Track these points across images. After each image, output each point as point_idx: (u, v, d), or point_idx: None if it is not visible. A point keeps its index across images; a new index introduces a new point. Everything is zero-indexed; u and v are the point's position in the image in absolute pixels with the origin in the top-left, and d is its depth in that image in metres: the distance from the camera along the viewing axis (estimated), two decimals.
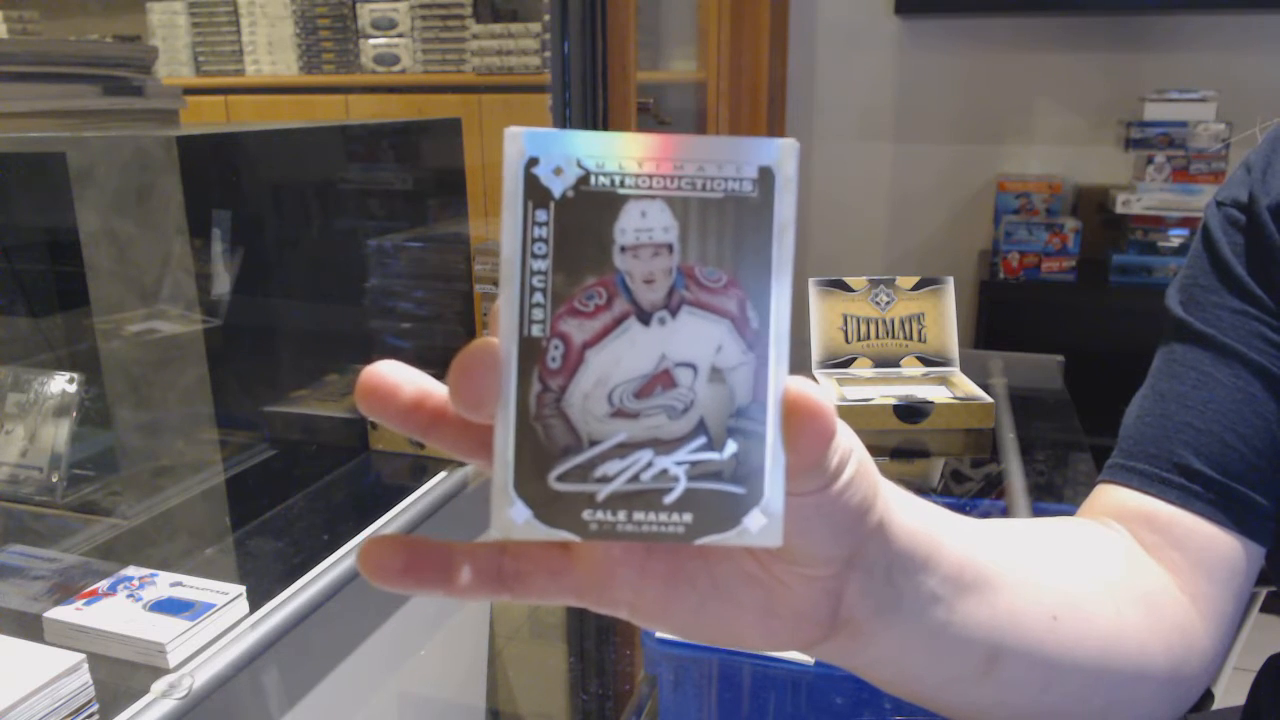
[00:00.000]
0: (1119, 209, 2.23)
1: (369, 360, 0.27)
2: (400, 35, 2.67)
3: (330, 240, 1.23)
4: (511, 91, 2.56)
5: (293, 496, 1.05)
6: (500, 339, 0.26)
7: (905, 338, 1.23)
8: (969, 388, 1.17)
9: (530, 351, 0.26)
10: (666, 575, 0.31)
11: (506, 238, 0.26)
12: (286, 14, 2.75)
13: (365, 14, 2.67)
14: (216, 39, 2.85)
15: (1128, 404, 0.57)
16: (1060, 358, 1.46)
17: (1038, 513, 0.94)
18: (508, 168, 0.25)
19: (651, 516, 0.26)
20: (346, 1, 2.70)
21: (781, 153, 0.26)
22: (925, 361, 1.23)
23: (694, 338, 0.26)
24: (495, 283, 1.43)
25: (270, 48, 2.79)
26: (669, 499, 0.26)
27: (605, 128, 1.56)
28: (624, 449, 0.26)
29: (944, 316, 1.24)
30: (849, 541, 0.31)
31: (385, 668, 0.94)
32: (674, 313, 0.26)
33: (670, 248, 0.26)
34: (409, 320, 1.35)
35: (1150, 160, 2.20)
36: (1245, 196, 0.54)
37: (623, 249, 0.26)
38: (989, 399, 1.14)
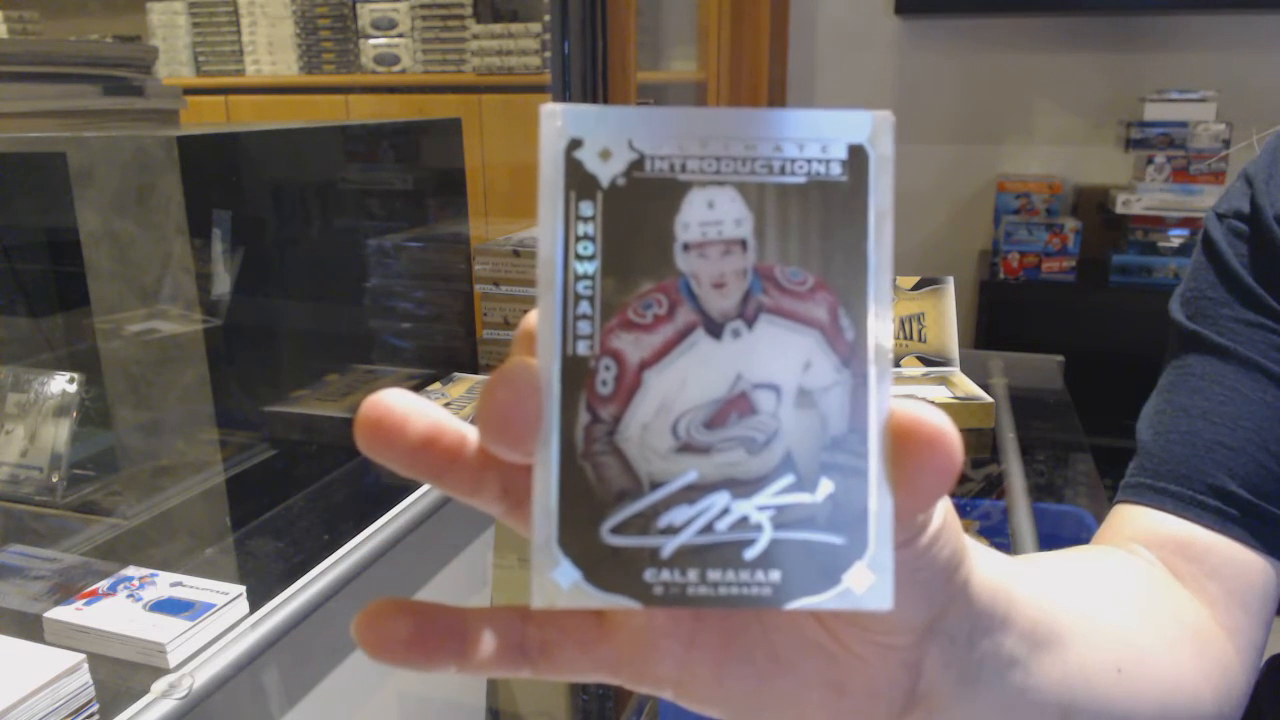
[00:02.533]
0: (1119, 209, 2.23)
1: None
2: (400, 35, 2.67)
3: (330, 240, 1.23)
4: (511, 91, 2.56)
5: (293, 496, 1.05)
6: (538, 359, 0.21)
7: (905, 338, 1.23)
8: (969, 388, 1.17)
9: (575, 374, 0.21)
10: (719, 647, 0.27)
11: (544, 236, 0.21)
12: (286, 14, 2.75)
13: (365, 14, 2.67)
14: (216, 39, 2.85)
15: (1128, 404, 0.56)
16: (1060, 358, 1.46)
17: (1038, 513, 0.94)
18: (544, 151, 0.21)
19: (730, 575, 0.21)
20: (346, 1, 2.70)
21: (875, 127, 0.22)
22: (925, 361, 1.23)
23: (776, 353, 0.22)
24: (495, 282, 1.43)
25: (270, 48, 2.79)
26: (751, 553, 0.21)
27: None
28: (693, 492, 0.22)
29: (944, 316, 1.24)
30: (935, 603, 0.26)
31: (385, 668, 0.94)
32: (750, 323, 0.22)
33: (744, 244, 0.22)
34: (409, 320, 1.35)
35: (1150, 160, 2.20)
36: (1247, 207, 0.53)
37: (686, 247, 0.22)
38: (989, 399, 1.13)
